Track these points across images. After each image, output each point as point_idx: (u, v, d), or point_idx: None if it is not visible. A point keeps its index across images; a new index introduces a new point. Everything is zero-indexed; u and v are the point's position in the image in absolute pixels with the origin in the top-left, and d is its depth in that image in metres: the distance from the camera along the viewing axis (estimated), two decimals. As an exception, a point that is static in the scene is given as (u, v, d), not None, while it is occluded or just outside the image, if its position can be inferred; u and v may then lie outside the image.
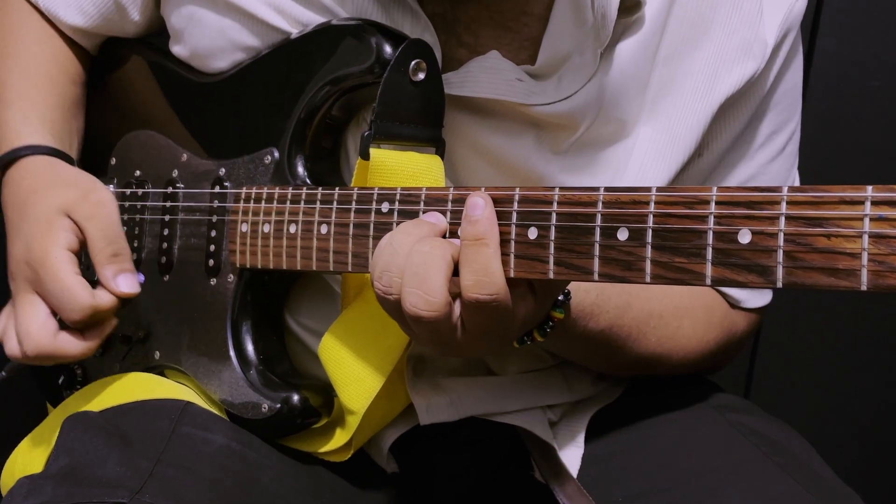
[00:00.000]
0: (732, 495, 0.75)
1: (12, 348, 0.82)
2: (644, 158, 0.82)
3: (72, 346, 0.81)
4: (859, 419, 1.47)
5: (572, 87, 0.78)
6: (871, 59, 1.35)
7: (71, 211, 0.82)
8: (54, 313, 0.80)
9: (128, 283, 0.81)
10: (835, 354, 1.46)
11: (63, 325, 0.81)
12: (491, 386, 0.88)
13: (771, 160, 0.88)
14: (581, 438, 0.88)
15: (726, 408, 0.87)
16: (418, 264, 0.64)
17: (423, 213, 0.69)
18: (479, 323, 0.65)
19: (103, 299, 0.80)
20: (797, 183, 0.94)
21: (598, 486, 0.83)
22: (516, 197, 0.64)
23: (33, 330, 0.80)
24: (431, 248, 0.64)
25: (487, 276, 0.63)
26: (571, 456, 0.87)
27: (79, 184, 0.85)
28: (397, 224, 0.70)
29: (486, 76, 0.78)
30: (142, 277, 0.84)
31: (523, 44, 0.80)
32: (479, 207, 0.64)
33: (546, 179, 0.81)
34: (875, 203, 0.50)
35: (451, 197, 0.67)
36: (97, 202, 0.82)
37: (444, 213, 0.68)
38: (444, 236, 0.67)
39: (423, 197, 0.69)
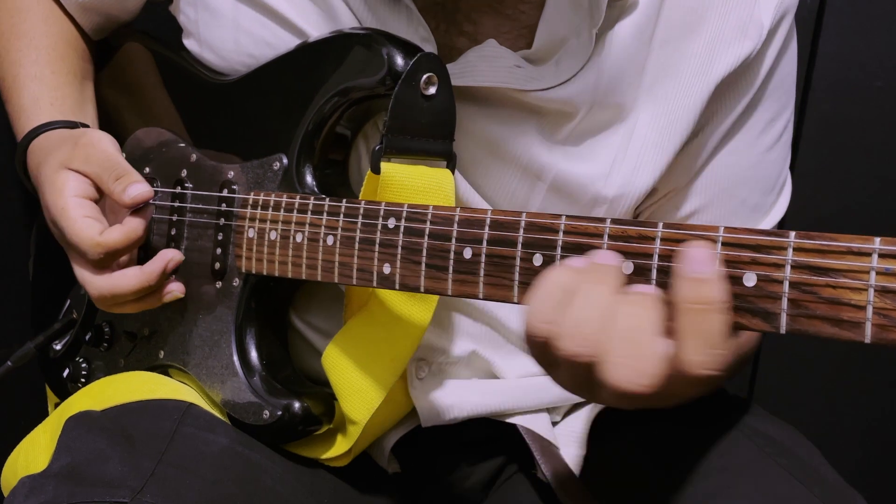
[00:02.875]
0: (736, 496, 0.75)
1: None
2: (643, 142, 0.82)
3: (125, 279, 0.81)
4: (862, 421, 1.46)
5: (570, 71, 0.79)
6: (873, 60, 1.33)
7: (68, 163, 0.83)
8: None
9: (136, 190, 0.81)
10: (838, 356, 1.44)
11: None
12: (493, 389, 0.88)
13: (769, 148, 0.88)
14: (584, 438, 0.89)
15: (730, 409, 0.87)
16: (630, 329, 0.54)
17: (589, 251, 0.59)
18: (689, 392, 0.57)
19: (112, 234, 0.80)
20: (789, 179, 0.93)
21: (601, 487, 0.83)
22: (522, 224, 0.63)
23: (87, 280, 0.82)
24: (643, 309, 0.54)
25: (719, 348, 0.53)
26: (574, 455, 0.88)
27: (67, 139, 0.86)
28: (402, 243, 0.69)
29: (484, 65, 0.79)
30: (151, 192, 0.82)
31: (522, 31, 0.81)
32: (708, 262, 0.53)
33: (547, 168, 0.81)
34: (882, 255, 0.49)
35: (457, 218, 0.67)
36: (86, 144, 0.83)
37: (449, 234, 0.67)
38: None
39: (429, 216, 0.68)
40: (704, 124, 0.84)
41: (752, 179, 0.87)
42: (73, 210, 0.81)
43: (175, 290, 0.84)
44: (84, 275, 0.82)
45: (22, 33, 0.94)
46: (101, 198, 0.84)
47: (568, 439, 0.89)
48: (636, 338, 0.54)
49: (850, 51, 1.33)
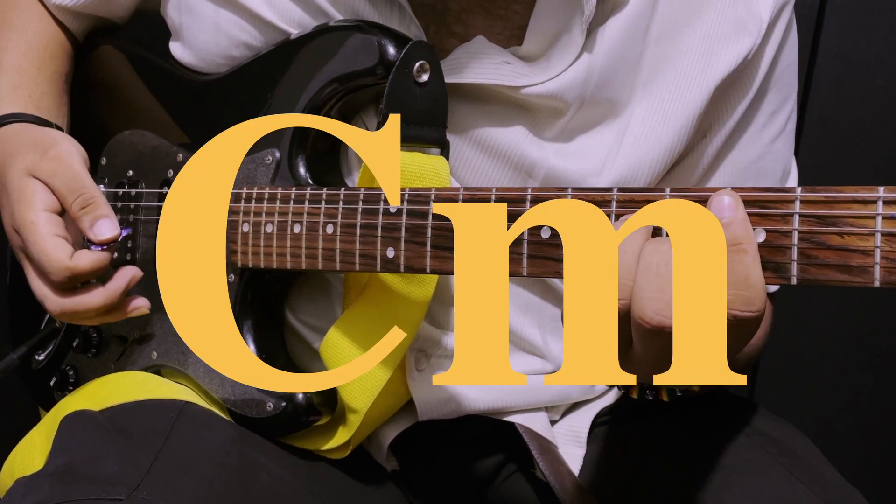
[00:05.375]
0: (737, 495, 0.77)
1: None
2: (637, 138, 0.82)
3: (90, 297, 0.79)
4: (863, 419, 1.47)
5: (560, 66, 0.79)
6: (874, 58, 1.34)
7: (34, 172, 0.81)
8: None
9: (106, 227, 0.79)
10: (839, 355, 1.46)
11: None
12: (491, 385, 0.88)
13: (774, 140, 0.88)
14: (583, 437, 0.89)
15: (731, 408, 0.89)
16: (659, 264, 0.56)
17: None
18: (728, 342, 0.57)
19: (81, 260, 0.78)
20: (795, 165, 0.93)
21: (600, 486, 0.84)
22: (528, 198, 0.65)
23: (47, 296, 0.80)
24: (667, 246, 0.57)
25: (748, 288, 0.55)
26: (573, 454, 0.88)
27: (38, 143, 0.84)
28: (406, 226, 0.70)
29: (472, 62, 0.79)
30: (126, 231, 0.84)
31: (514, 31, 0.81)
32: (730, 207, 0.56)
33: (538, 165, 0.82)
34: (887, 203, 0.52)
35: (461, 198, 0.68)
36: (55, 157, 0.81)
37: None
38: None
39: (432, 197, 0.70)
40: (712, 124, 0.84)
41: (757, 172, 0.87)
42: (42, 226, 0.79)
43: (141, 305, 0.82)
44: (43, 291, 0.81)
45: (15, 26, 0.94)
46: (64, 212, 0.82)
47: (567, 438, 0.90)
48: (662, 272, 0.56)
49: (850, 49, 1.34)
